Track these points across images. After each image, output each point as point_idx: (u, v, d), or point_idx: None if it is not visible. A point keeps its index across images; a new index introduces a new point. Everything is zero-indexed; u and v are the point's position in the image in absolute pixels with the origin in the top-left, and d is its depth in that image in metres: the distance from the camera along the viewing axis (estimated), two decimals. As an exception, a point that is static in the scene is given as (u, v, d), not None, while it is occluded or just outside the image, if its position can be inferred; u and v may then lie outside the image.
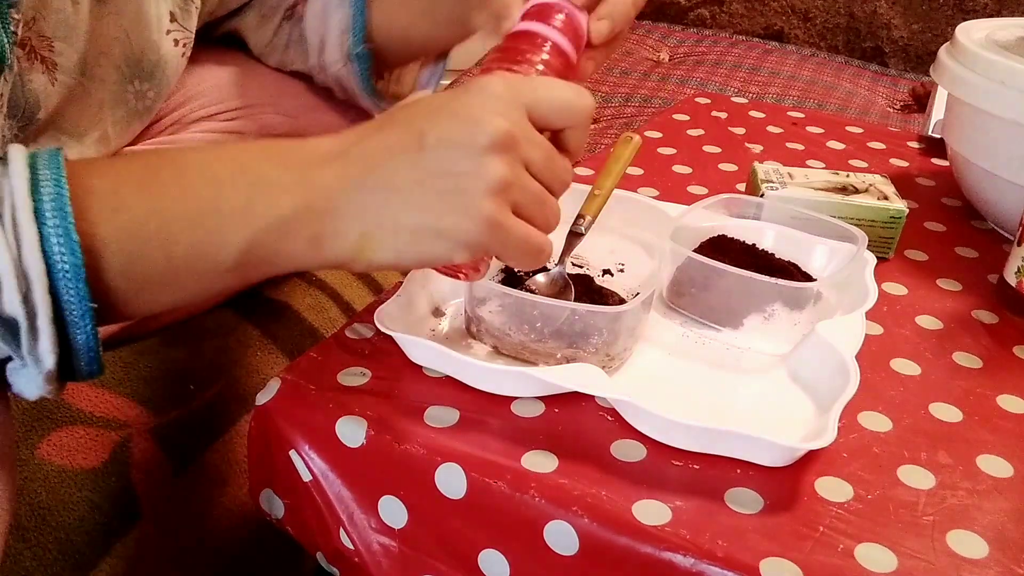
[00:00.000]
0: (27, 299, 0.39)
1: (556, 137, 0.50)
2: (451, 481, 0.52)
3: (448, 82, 0.78)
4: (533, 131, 0.47)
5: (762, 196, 0.75)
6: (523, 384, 0.56)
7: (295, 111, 0.80)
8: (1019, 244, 0.69)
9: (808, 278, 0.66)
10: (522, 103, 0.47)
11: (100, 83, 0.63)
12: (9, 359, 0.41)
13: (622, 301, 0.63)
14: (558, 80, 0.51)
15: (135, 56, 0.64)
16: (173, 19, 0.67)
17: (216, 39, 0.81)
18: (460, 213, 0.45)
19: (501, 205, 0.46)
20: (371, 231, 0.46)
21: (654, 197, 0.79)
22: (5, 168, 0.41)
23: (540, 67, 0.54)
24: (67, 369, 0.43)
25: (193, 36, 0.71)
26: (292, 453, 0.56)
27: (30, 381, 0.42)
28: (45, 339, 0.40)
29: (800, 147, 0.98)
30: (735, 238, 0.68)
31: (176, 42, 0.68)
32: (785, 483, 0.51)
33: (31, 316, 0.40)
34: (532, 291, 0.62)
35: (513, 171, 0.46)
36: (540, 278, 0.63)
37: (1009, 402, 0.60)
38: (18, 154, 0.41)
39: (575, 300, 0.61)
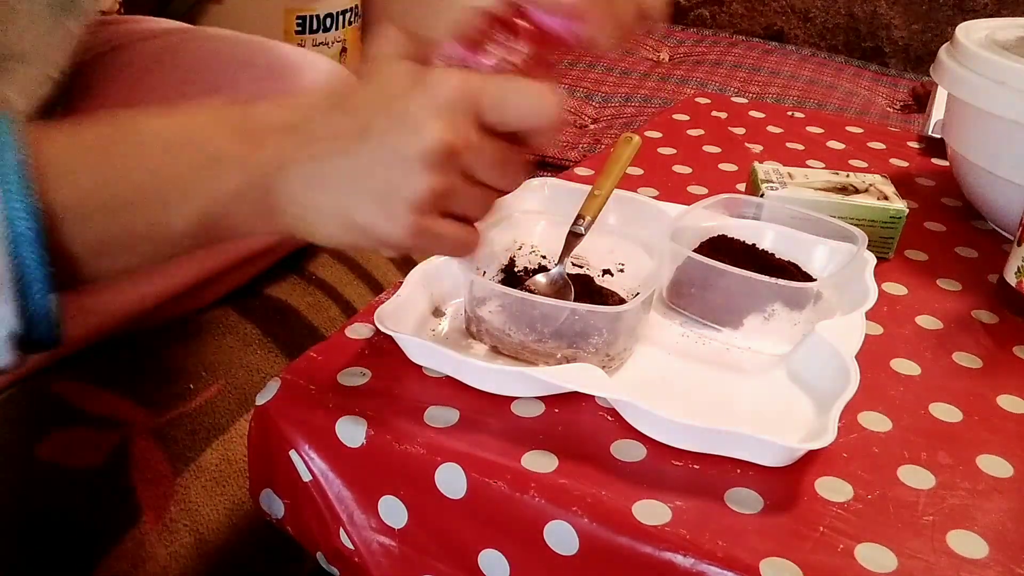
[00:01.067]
0: None
1: (518, 136, 0.49)
2: (451, 481, 0.52)
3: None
4: (481, 137, 0.47)
5: (762, 196, 0.75)
6: (523, 384, 0.56)
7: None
8: (1019, 244, 0.69)
9: (808, 278, 0.66)
10: (474, 106, 0.47)
11: None
12: None
13: (622, 301, 0.63)
14: (520, 80, 0.49)
15: None
16: None
17: None
18: (385, 217, 0.46)
19: (426, 213, 0.46)
20: (305, 212, 0.47)
21: (654, 197, 0.79)
22: None
23: (520, 55, 0.54)
24: (27, 340, 0.43)
25: None
26: (292, 453, 0.56)
27: None
28: (6, 302, 0.41)
29: (800, 147, 0.98)
30: (735, 238, 0.68)
31: None
32: (785, 483, 0.51)
33: None
34: (532, 291, 0.62)
35: (444, 182, 0.46)
36: (540, 278, 0.63)
37: (1009, 402, 0.60)
38: None
39: (575, 300, 0.61)
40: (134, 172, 0.45)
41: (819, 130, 1.03)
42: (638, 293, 0.63)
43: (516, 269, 0.66)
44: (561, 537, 0.49)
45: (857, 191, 0.77)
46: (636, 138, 0.68)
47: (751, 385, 0.60)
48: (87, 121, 0.47)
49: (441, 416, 0.55)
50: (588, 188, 0.67)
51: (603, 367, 0.56)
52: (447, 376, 0.57)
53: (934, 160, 0.99)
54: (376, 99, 0.47)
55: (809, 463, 0.52)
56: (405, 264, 0.92)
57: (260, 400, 0.57)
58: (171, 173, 0.45)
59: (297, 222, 0.47)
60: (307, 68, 0.84)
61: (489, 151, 0.48)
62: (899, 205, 0.75)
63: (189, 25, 0.90)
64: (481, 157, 0.47)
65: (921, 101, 1.70)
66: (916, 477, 0.52)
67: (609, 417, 0.55)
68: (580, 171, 0.86)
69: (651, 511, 0.49)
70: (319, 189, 0.46)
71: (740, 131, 1.02)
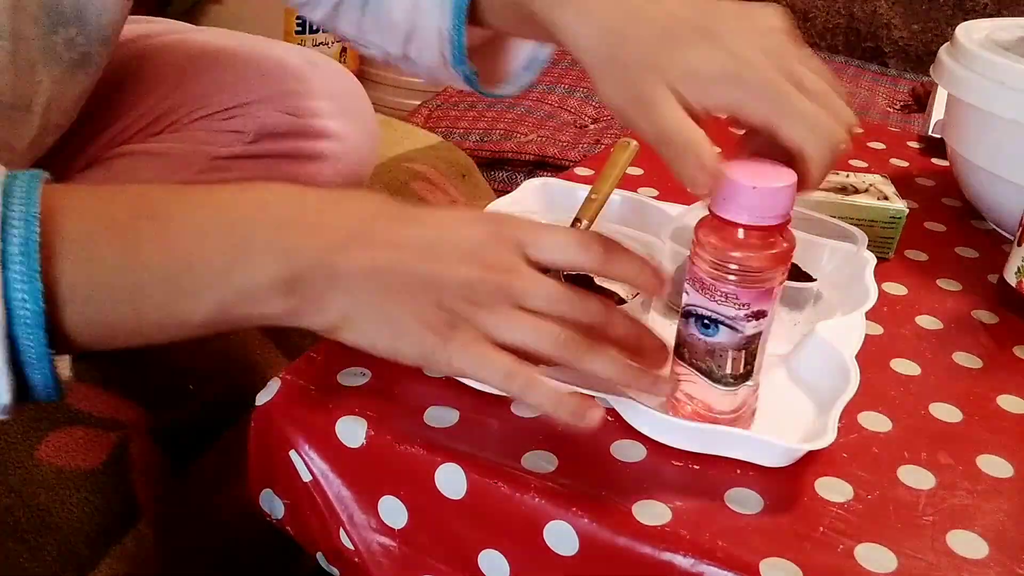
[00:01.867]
0: None
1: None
2: (451, 481, 0.51)
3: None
4: (533, 272, 0.47)
5: (762, 196, 0.75)
6: (523, 384, 0.55)
7: (297, 111, 0.80)
8: (1019, 244, 0.69)
9: (808, 278, 0.66)
10: (519, 246, 0.47)
11: (24, 42, 0.60)
12: None
13: (622, 301, 0.63)
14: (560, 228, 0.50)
15: (52, 2, 0.61)
16: None
17: None
18: (422, 336, 0.45)
19: (459, 337, 0.45)
20: (349, 315, 0.45)
21: (654, 197, 0.79)
22: None
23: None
24: (24, 395, 0.42)
25: None
26: (292, 453, 0.56)
27: None
28: (1, 378, 0.40)
29: (800, 147, 0.98)
30: (735, 238, 0.68)
31: None
32: (785, 483, 0.51)
33: None
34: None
35: (471, 310, 0.45)
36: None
37: (1009, 402, 0.60)
38: None
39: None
40: (160, 255, 0.42)
41: (819, 130, 1.03)
42: (638, 293, 0.63)
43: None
44: (561, 537, 0.49)
45: (857, 191, 0.77)
46: (634, 143, 0.68)
47: (751, 385, 0.60)
48: (112, 193, 0.45)
49: (441, 416, 0.54)
50: (588, 188, 0.67)
51: (603, 367, 0.56)
52: (447, 376, 0.57)
53: (934, 160, 0.99)
54: (442, 221, 0.47)
55: (809, 463, 0.52)
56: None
57: (260, 400, 0.57)
58: (201, 260, 0.43)
59: (335, 323, 0.46)
60: (315, 72, 0.84)
61: (543, 284, 0.46)
62: (899, 205, 0.75)
63: (190, 25, 0.90)
64: (536, 289, 0.46)
65: (921, 101, 1.70)
66: (916, 477, 0.52)
67: (609, 417, 0.55)
68: (580, 171, 0.86)
69: (651, 511, 0.49)
70: (370, 295, 0.45)
71: (740, 131, 1.01)
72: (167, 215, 0.44)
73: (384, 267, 0.45)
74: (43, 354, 0.40)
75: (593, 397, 0.50)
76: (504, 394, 0.49)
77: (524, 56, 0.69)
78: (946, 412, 0.58)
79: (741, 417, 0.53)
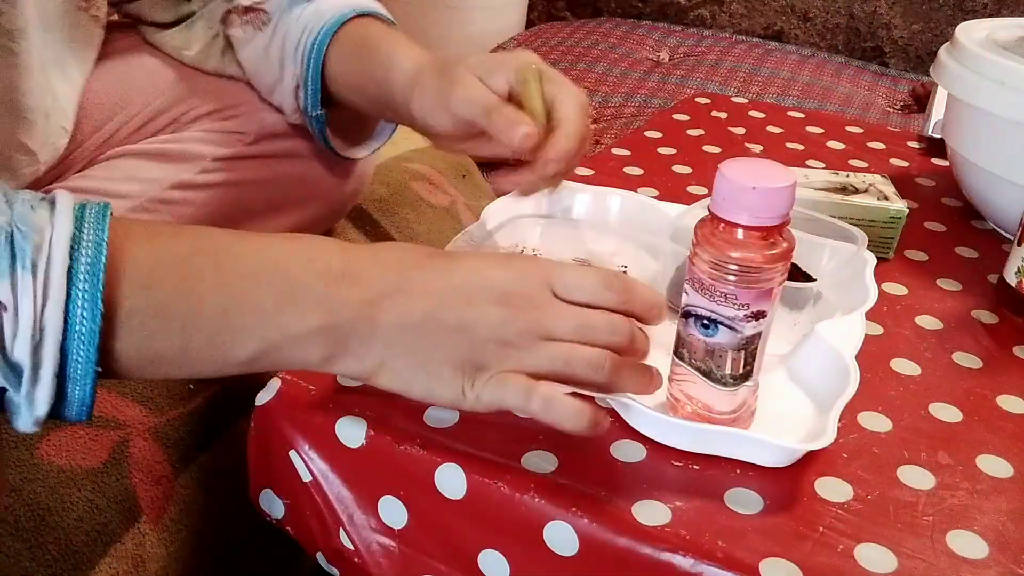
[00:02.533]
0: (36, 350, 0.40)
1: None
2: (451, 481, 0.52)
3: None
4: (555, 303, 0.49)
5: (762, 196, 0.75)
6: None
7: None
8: (1019, 244, 0.69)
9: (808, 278, 0.66)
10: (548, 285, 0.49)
11: (44, 52, 0.64)
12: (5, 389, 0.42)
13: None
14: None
15: (71, 7, 0.66)
16: None
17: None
18: (452, 378, 0.47)
19: (482, 375, 0.47)
20: (384, 361, 0.48)
21: (654, 197, 0.79)
22: (51, 215, 0.41)
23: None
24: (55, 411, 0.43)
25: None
26: (292, 453, 0.56)
27: (21, 417, 0.42)
28: (44, 389, 0.41)
29: (800, 147, 0.98)
30: (735, 238, 0.68)
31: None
32: (785, 483, 0.51)
33: (36, 366, 0.40)
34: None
35: (491, 350, 0.47)
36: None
37: (1009, 402, 0.60)
38: (65, 205, 0.42)
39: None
40: (214, 292, 0.44)
41: (819, 130, 1.03)
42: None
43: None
44: (561, 537, 0.49)
45: (857, 191, 0.77)
46: (533, 68, 0.65)
47: (751, 385, 0.60)
48: (175, 229, 0.47)
49: (441, 416, 0.55)
50: (588, 188, 0.67)
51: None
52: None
53: (934, 160, 0.99)
54: (472, 266, 0.49)
55: (809, 463, 0.52)
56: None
57: (260, 400, 0.57)
58: (251, 302, 0.45)
59: (372, 370, 0.48)
60: None
61: (570, 313, 0.48)
62: (899, 205, 0.75)
63: None
64: (564, 318, 0.48)
65: (921, 101, 1.70)
66: (916, 477, 0.52)
67: (609, 417, 0.55)
68: (581, 171, 0.86)
69: (651, 511, 0.49)
70: (406, 344, 0.47)
71: (740, 131, 1.02)
72: (225, 256, 0.46)
73: (419, 317, 0.47)
74: (90, 371, 0.42)
75: (595, 400, 0.50)
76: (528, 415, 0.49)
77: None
78: (946, 412, 0.58)
79: (740, 417, 0.53)
